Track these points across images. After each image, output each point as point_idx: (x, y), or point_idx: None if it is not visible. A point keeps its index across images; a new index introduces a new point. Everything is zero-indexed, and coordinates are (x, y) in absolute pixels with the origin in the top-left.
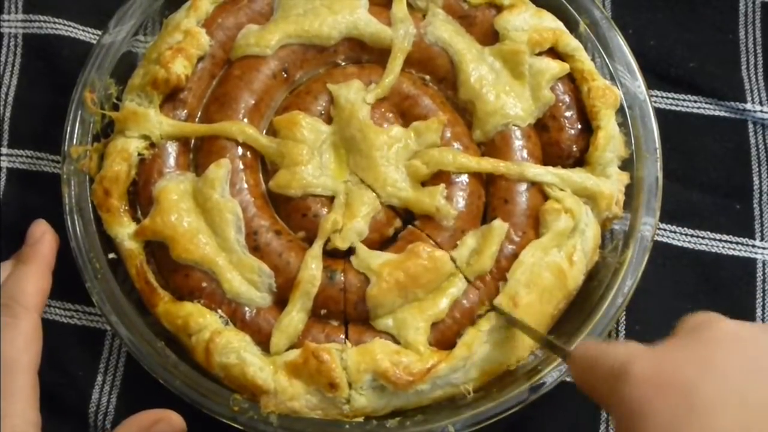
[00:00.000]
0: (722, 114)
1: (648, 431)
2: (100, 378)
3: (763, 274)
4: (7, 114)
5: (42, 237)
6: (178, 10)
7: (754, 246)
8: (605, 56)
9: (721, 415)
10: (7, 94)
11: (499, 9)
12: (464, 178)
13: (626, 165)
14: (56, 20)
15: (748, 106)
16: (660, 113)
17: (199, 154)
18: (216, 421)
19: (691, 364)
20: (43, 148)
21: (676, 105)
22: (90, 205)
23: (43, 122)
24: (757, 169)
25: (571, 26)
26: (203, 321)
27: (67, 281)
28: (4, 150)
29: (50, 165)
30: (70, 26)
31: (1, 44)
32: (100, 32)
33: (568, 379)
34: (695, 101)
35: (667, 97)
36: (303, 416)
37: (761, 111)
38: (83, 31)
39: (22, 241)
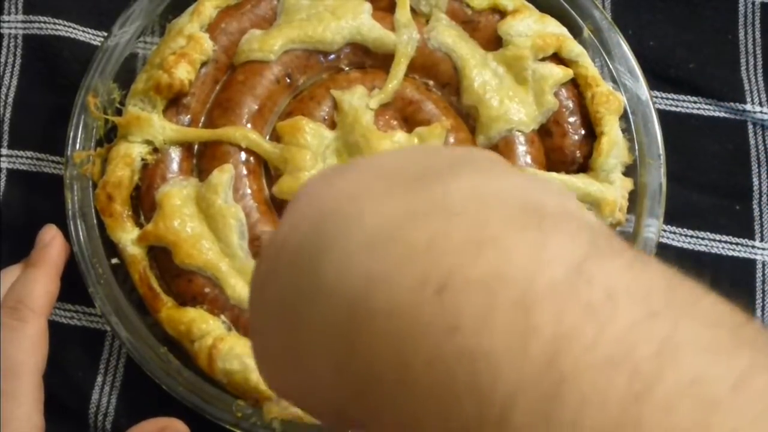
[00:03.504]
0: (722, 115)
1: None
2: (100, 379)
3: (763, 274)
4: (7, 115)
5: (51, 241)
6: (182, 14)
7: (753, 247)
8: (606, 58)
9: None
10: (7, 95)
11: (503, 14)
12: None
13: (630, 171)
14: (56, 21)
15: (748, 106)
16: (659, 114)
17: (202, 159)
18: (219, 427)
19: None
20: (43, 149)
21: (676, 106)
22: (93, 210)
23: (44, 123)
24: (757, 170)
25: (575, 32)
26: (206, 327)
27: (66, 282)
28: (4, 151)
29: (51, 166)
30: (70, 27)
31: (1, 45)
32: (100, 33)
33: None
34: (695, 102)
35: (667, 98)
36: (306, 422)
37: (761, 112)
38: (83, 32)
39: (22, 242)
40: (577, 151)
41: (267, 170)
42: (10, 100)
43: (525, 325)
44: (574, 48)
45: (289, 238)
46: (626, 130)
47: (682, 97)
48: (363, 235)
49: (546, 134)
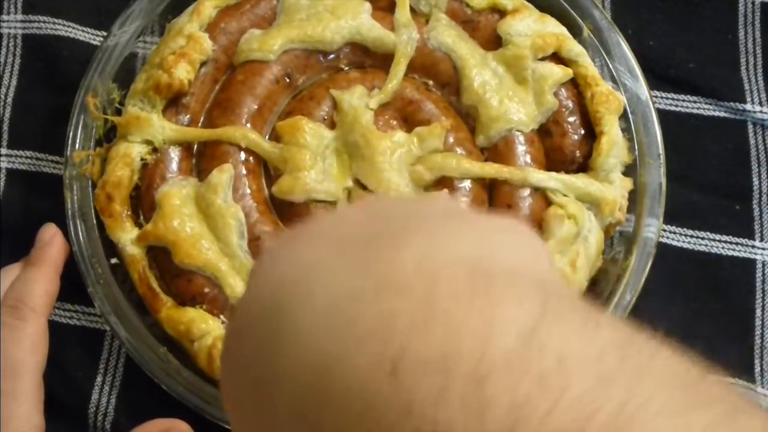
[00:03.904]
0: (722, 114)
1: None
2: (99, 378)
3: (763, 274)
4: (7, 114)
5: (51, 240)
6: (181, 14)
7: (753, 246)
8: (606, 58)
9: None
10: (7, 95)
11: (503, 14)
12: (467, 183)
13: (629, 170)
14: (56, 21)
15: (748, 106)
16: (659, 114)
17: (201, 159)
18: (219, 427)
19: None
20: (43, 148)
21: (676, 105)
22: (92, 210)
23: (43, 123)
24: (757, 170)
25: (575, 32)
26: (206, 327)
27: (65, 282)
28: (4, 150)
29: (50, 166)
30: (69, 27)
31: (1, 45)
32: (99, 33)
33: None
34: (695, 102)
35: (667, 98)
36: None
37: (761, 111)
38: (83, 31)
39: (22, 242)
40: (577, 151)
41: (266, 170)
42: (9, 99)
43: (480, 398)
44: (573, 47)
45: (251, 307)
46: (626, 130)
47: (682, 96)
48: (315, 314)
49: (546, 134)
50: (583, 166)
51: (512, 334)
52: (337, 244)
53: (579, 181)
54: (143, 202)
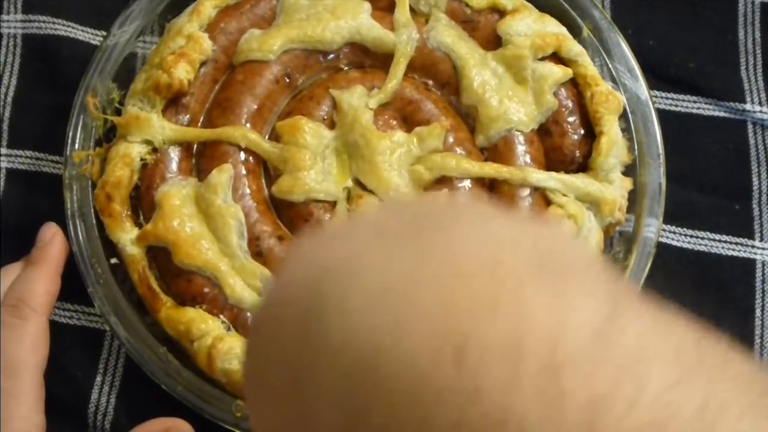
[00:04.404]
0: (721, 114)
1: None
2: (99, 378)
3: (763, 274)
4: (7, 114)
5: (52, 239)
6: (181, 14)
7: (753, 246)
8: (606, 57)
9: None
10: (6, 95)
11: (502, 14)
12: (467, 183)
13: (629, 170)
14: (55, 21)
15: (748, 106)
16: (659, 114)
17: (201, 159)
18: (219, 427)
19: None
20: (43, 148)
21: (675, 105)
22: (92, 210)
23: (43, 122)
24: (757, 170)
25: (575, 32)
26: (205, 327)
27: (65, 282)
28: (4, 150)
29: (50, 165)
30: (69, 26)
31: (1, 45)
32: (99, 33)
33: None
34: (694, 102)
35: (666, 98)
36: None
37: (761, 111)
38: (83, 31)
39: (22, 242)
40: (577, 151)
41: (266, 170)
42: (9, 99)
43: (556, 390)
44: (573, 47)
45: (286, 300)
46: (626, 130)
47: (681, 96)
48: (368, 294)
49: (545, 134)
50: (583, 166)
51: (586, 325)
52: (381, 235)
53: (579, 181)
54: (143, 202)
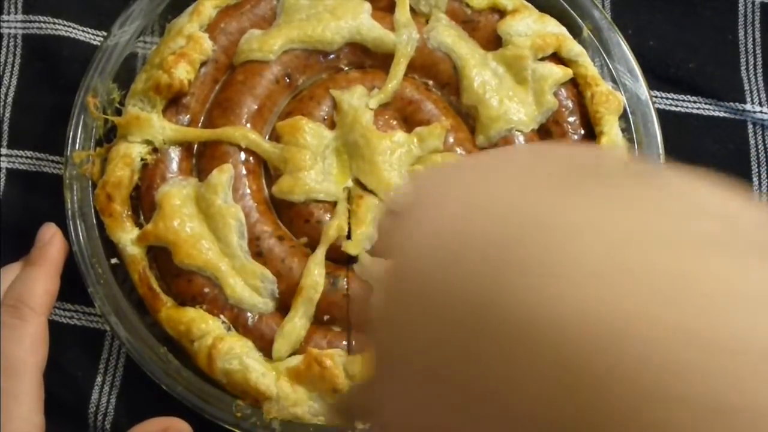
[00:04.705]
0: (721, 114)
1: None
2: (99, 378)
3: None
4: (7, 114)
5: (51, 239)
6: (181, 14)
7: None
8: (606, 58)
9: None
10: (7, 95)
11: (502, 14)
12: None
13: None
14: (56, 21)
15: (748, 106)
16: (659, 114)
17: (201, 159)
18: (219, 427)
19: None
20: (43, 148)
21: (675, 105)
22: (93, 210)
23: (43, 123)
24: (757, 170)
25: (575, 32)
26: (205, 327)
27: (65, 282)
28: (4, 150)
29: (50, 166)
30: (69, 27)
31: (1, 45)
32: (100, 33)
33: None
34: (694, 102)
35: (667, 98)
36: (306, 422)
37: (761, 112)
38: (83, 31)
39: (22, 242)
40: None
41: (266, 170)
42: (9, 99)
43: None
44: (573, 48)
45: (459, 254)
46: (626, 130)
47: (681, 96)
48: (585, 260)
49: (546, 134)
50: None
51: None
52: (567, 185)
53: None
54: (143, 202)
